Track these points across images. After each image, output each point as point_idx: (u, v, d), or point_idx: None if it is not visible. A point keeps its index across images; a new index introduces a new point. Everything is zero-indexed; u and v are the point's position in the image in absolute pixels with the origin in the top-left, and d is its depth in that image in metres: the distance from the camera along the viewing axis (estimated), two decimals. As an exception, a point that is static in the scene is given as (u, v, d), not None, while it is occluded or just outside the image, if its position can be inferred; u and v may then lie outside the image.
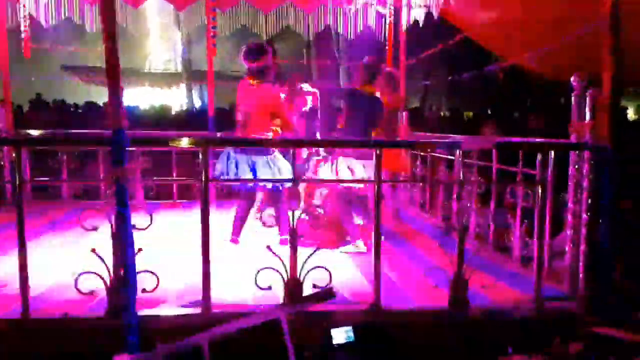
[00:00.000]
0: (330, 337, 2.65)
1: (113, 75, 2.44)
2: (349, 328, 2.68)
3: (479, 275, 3.04)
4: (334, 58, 14.39)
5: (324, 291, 2.82)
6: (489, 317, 2.95)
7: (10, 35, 6.21)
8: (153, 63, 23.61)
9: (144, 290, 2.73)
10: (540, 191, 3.07)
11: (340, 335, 2.67)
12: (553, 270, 3.48)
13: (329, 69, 14.82)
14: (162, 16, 19.91)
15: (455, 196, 2.96)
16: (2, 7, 6.06)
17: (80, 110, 11.22)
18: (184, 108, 15.31)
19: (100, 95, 15.31)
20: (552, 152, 3.20)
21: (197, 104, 18.35)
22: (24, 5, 6.03)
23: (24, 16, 6.11)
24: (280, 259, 2.83)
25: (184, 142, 2.93)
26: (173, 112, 12.75)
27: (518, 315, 2.99)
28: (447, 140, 4.89)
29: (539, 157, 3.15)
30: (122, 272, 2.55)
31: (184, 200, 6.19)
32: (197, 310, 2.80)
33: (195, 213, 2.80)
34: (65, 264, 3.70)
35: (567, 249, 3.22)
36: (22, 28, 6.18)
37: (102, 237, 2.71)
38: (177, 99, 18.83)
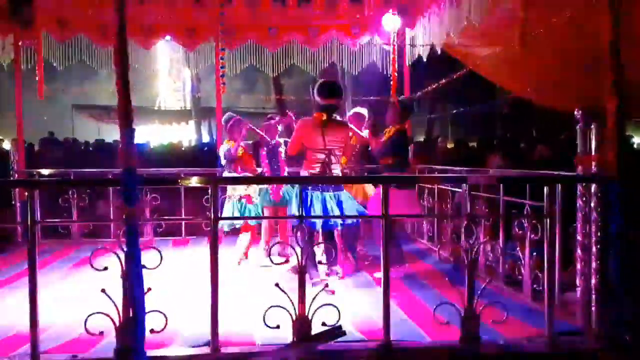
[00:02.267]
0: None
1: (125, 117, 2.50)
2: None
3: (490, 310, 3.00)
4: (339, 93, 14.60)
5: (333, 329, 2.80)
6: (501, 353, 2.90)
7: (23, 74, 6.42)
8: (163, 100, 24.08)
9: (152, 331, 2.71)
10: (548, 224, 3.05)
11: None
12: (565, 303, 3.43)
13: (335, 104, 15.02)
14: (172, 55, 20.44)
15: (463, 229, 2.97)
16: (17, 52, 6.28)
17: (90, 148, 11.39)
18: (193, 144, 15.50)
19: (110, 133, 15.60)
20: (559, 185, 3.21)
21: (206, 140, 18.57)
22: (39, 49, 6.23)
23: (38, 60, 6.31)
24: (288, 296, 2.81)
25: (193, 181, 2.97)
26: (182, 148, 12.90)
27: (531, 350, 2.94)
28: (452, 175, 4.92)
29: (546, 189, 3.14)
30: (131, 312, 2.55)
31: (193, 236, 6.22)
32: (206, 350, 2.78)
33: (204, 249, 2.82)
34: (75, 303, 3.71)
35: (578, 282, 3.18)
36: (36, 71, 6.38)
37: (112, 276, 2.73)
38: (186, 135, 19.09)
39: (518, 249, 3.77)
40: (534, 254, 3.60)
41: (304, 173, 4.08)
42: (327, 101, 4.04)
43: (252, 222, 4.81)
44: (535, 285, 3.64)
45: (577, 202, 3.15)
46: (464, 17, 4.53)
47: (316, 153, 4.02)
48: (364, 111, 5.16)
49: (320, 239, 4.18)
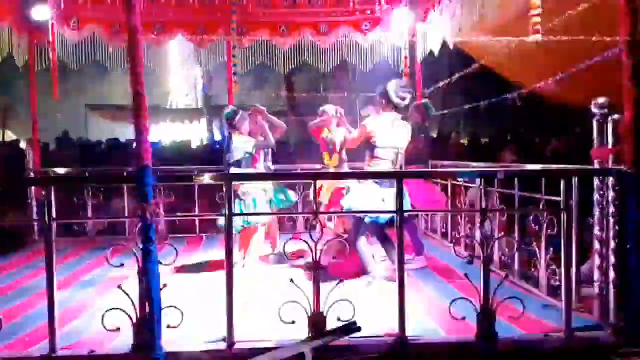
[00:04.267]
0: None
1: (139, 117, 2.52)
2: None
3: (506, 306, 2.98)
4: (349, 90, 14.57)
5: (348, 324, 2.80)
6: (518, 349, 2.88)
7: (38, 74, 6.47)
8: (174, 99, 24.21)
9: (169, 327, 2.73)
10: (565, 218, 3.02)
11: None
12: (582, 298, 3.39)
13: (346, 101, 14.97)
14: (183, 54, 20.53)
15: (478, 225, 2.95)
16: (32, 52, 6.34)
17: (104, 148, 11.50)
18: (205, 143, 15.56)
19: (123, 133, 15.72)
20: (576, 179, 3.17)
21: (218, 138, 18.65)
22: (53, 50, 6.28)
23: (53, 60, 6.36)
24: (304, 293, 2.81)
25: (207, 178, 2.98)
26: (194, 147, 12.97)
27: (548, 346, 2.91)
28: (469, 170, 4.89)
29: (563, 183, 3.11)
30: (147, 309, 2.57)
31: (207, 234, 6.22)
32: (222, 346, 2.80)
33: (218, 247, 2.83)
34: (91, 300, 3.75)
35: (596, 277, 3.15)
36: (51, 71, 6.44)
37: (128, 273, 2.75)
38: (198, 134, 19.16)
39: (535, 244, 3.73)
40: (551, 249, 3.56)
41: (368, 169, 4.10)
42: (399, 99, 4.09)
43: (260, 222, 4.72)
44: (551, 281, 3.60)
45: (595, 196, 3.11)
46: (476, 11, 4.49)
47: (386, 150, 4.06)
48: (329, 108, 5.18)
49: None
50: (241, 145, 4.67)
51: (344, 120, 5.05)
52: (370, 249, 4.18)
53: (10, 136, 16.73)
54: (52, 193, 2.80)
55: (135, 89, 2.51)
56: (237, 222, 4.27)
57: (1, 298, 3.67)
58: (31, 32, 6.30)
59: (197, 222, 6.30)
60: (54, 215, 2.79)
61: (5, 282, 4.19)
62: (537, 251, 3.71)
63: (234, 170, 4.65)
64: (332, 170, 4.94)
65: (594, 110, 3.12)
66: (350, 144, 4.30)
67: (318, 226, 3.13)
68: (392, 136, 4.08)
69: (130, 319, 2.70)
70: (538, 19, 3.46)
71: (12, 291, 4.02)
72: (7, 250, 5.37)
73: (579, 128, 7.12)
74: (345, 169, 5.06)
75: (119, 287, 2.69)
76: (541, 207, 3.66)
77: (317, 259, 2.87)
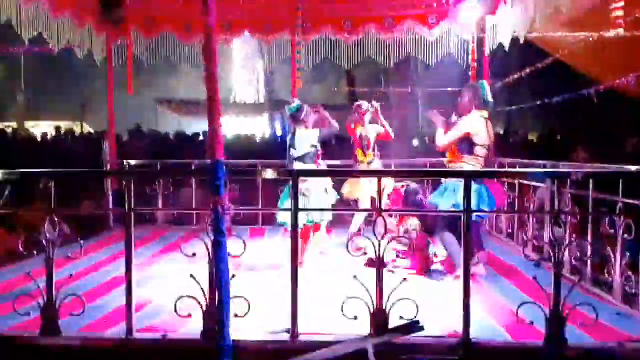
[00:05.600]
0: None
1: (213, 113, 2.62)
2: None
3: (576, 312, 2.86)
4: (412, 84, 14.35)
5: (411, 323, 2.80)
6: (589, 357, 2.77)
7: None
8: (237, 94, 24.77)
9: (236, 315, 2.83)
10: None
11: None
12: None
13: (407, 96, 14.76)
14: (246, 49, 20.97)
15: (551, 227, 2.85)
16: (110, 50, 6.69)
17: (171, 140, 11.99)
18: (267, 137, 15.87)
19: (189, 126, 16.32)
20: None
21: (279, 132, 18.94)
22: (129, 47, 6.63)
23: (128, 57, 6.71)
24: (367, 289, 2.83)
25: (274, 174, 3.06)
26: (257, 140, 13.25)
27: (622, 356, 2.77)
28: (538, 170, 4.71)
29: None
30: (217, 297, 2.68)
31: (269, 226, 6.35)
32: (286, 337, 2.87)
33: (281, 239, 2.90)
34: (163, 285, 3.94)
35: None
36: (127, 68, 6.80)
37: (197, 261, 2.87)
38: (260, 128, 19.54)
39: (609, 248, 3.55)
40: (627, 254, 3.38)
41: (467, 167, 4.11)
42: (489, 99, 4.24)
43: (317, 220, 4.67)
44: (626, 288, 3.42)
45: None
46: (551, 3, 4.30)
47: (482, 148, 4.16)
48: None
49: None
50: (307, 138, 4.70)
51: (379, 114, 5.10)
52: (457, 243, 4.08)
53: (87, 129, 17.81)
54: (132, 184, 2.96)
55: (210, 87, 2.61)
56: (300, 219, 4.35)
57: (80, 282, 3.92)
58: (109, 30, 6.65)
59: (260, 215, 6.45)
60: (133, 206, 2.97)
61: (82, 266, 4.44)
62: (612, 256, 3.54)
63: (297, 165, 4.72)
64: (364, 167, 5.01)
65: (681, 108, 2.93)
66: (443, 142, 4.27)
67: (381, 223, 3.12)
68: (486, 134, 4.14)
69: (201, 306, 2.83)
70: (621, 12, 3.28)
71: (88, 275, 4.28)
72: (84, 237, 5.72)
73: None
74: (378, 164, 5.09)
75: (191, 276, 2.82)
76: (618, 209, 3.48)
77: (381, 256, 2.88)
